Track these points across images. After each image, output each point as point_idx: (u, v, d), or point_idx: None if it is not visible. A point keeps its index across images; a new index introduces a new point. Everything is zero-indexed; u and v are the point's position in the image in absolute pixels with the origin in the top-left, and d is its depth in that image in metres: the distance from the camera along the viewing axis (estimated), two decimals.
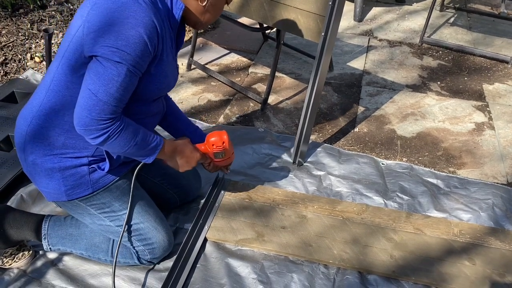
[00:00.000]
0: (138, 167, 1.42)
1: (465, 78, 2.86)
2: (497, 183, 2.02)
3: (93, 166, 1.39)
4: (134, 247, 1.50)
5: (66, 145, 1.35)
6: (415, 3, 3.91)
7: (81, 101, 1.19)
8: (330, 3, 1.73)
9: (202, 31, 3.27)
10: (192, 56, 2.81)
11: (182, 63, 2.91)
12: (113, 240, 1.52)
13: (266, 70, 2.86)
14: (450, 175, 2.05)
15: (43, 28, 2.95)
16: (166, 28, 1.28)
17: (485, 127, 2.41)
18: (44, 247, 1.55)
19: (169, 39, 1.31)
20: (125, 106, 1.27)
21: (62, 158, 1.36)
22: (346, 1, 3.78)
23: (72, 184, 1.38)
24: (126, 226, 1.46)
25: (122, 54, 1.16)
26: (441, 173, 2.05)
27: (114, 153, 1.31)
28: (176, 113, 1.65)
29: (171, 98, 1.67)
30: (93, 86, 1.18)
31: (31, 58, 2.82)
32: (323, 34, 1.80)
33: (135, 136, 1.27)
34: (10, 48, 2.87)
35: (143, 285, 1.51)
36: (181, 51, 3.06)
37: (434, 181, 2.00)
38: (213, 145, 1.52)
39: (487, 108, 2.57)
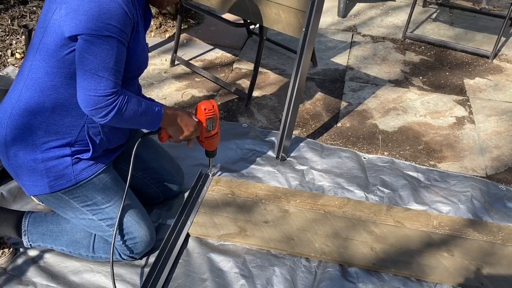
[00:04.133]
0: (138, 142, 1.46)
1: (447, 73, 2.90)
2: (476, 176, 2.06)
3: (76, 156, 1.39)
4: (116, 242, 1.49)
5: (49, 132, 1.35)
6: None
7: (83, 84, 1.22)
8: None
9: (186, 26, 3.25)
10: (175, 51, 2.80)
11: (165, 59, 2.90)
12: (95, 235, 1.52)
13: (251, 66, 2.86)
14: (431, 168, 2.08)
15: (23, 23, 2.91)
16: (136, 3, 1.30)
17: (465, 121, 2.45)
18: (24, 244, 1.54)
19: (139, 16, 1.33)
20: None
21: (44, 148, 1.36)
22: None
23: (55, 175, 1.37)
24: (110, 221, 1.46)
25: (110, 27, 1.19)
26: (421, 166, 2.08)
27: (124, 127, 1.36)
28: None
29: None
30: (91, 66, 1.20)
31: (12, 55, 2.78)
32: (304, 29, 1.81)
33: (139, 104, 1.32)
34: None
35: (125, 280, 1.51)
36: (165, 46, 3.05)
37: (414, 174, 2.03)
38: (204, 108, 1.56)
39: (468, 103, 2.61)
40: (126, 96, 1.28)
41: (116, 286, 1.47)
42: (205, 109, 1.56)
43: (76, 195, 1.42)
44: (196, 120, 1.56)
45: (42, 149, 1.35)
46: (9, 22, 3.07)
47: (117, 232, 1.47)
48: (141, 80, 2.67)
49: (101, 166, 1.45)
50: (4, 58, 2.73)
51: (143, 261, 1.57)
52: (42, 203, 1.67)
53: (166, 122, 1.45)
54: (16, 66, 2.65)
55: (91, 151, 1.40)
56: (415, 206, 1.86)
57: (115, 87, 1.24)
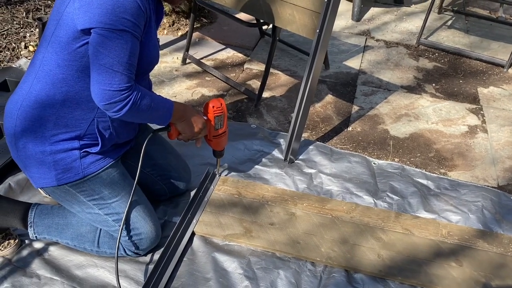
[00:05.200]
0: (147, 139, 1.45)
1: (460, 81, 2.86)
2: (488, 186, 2.02)
3: (85, 150, 1.39)
4: (122, 238, 1.48)
5: (58, 125, 1.34)
6: (413, 5, 3.91)
7: (97, 78, 1.22)
8: (326, 0, 1.72)
9: (198, 25, 3.25)
10: (187, 50, 2.80)
11: (177, 57, 2.90)
12: (100, 230, 1.51)
13: (262, 67, 2.85)
14: (441, 176, 2.04)
15: (38, 16, 2.93)
16: None
17: (478, 130, 2.41)
18: (30, 235, 1.54)
19: (152, 11, 1.32)
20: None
21: (53, 141, 1.35)
22: (345, 1, 3.78)
23: (63, 168, 1.37)
24: (116, 216, 1.46)
25: (124, 21, 1.19)
26: (432, 174, 2.05)
27: (135, 121, 1.37)
28: None
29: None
30: (105, 60, 1.20)
31: (25, 47, 2.80)
32: (317, 31, 1.79)
33: (152, 98, 1.33)
34: (4, 36, 2.85)
35: (128, 277, 1.50)
36: (177, 45, 3.05)
37: (424, 182, 2.00)
38: (213, 106, 1.56)
39: (481, 111, 2.57)
40: (139, 91, 1.28)
41: (120, 282, 1.47)
42: (213, 106, 1.57)
43: (83, 189, 1.41)
44: (205, 118, 1.55)
45: (51, 141, 1.35)
46: (24, 15, 3.09)
47: (125, 227, 1.47)
48: (152, 77, 2.67)
49: (109, 161, 1.45)
50: (17, 50, 2.75)
51: (147, 258, 1.57)
52: (49, 195, 1.67)
53: (176, 118, 1.45)
54: (29, 59, 2.67)
55: (100, 145, 1.39)
56: (424, 214, 1.83)
57: (129, 81, 1.24)
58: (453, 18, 3.69)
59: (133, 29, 1.22)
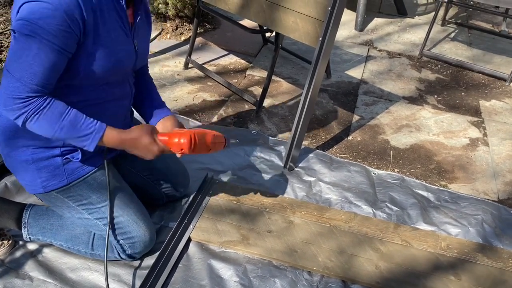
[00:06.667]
0: (106, 159, 1.38)
1: (462, 93, 2.86)
2: (488, 199, 2.01)
3: (66, 156, 1.36)
4: (114, 241, 1.46)
5: (35, 137, 1.30)
6: (417, 16, 3.92)
7: (2, 80, 1.15)
8: (329, 8, 1.72)
9: (202, 30, 3.25)
10: (190, 55, 2.80)
11: (179, 61, 2.90)
12: (94, 232, 1.50)
13: (264, 74, 2.85)
14: (441, 188, 2.03)
15: None
16: (106, 2, 1.19)
17: (479, 143, 2.40)
18: (24, 236, 1.52)
19: (113, 13, 1.22)
20: (52, 86, 1.18)
21: (34, 149, 1.33)
22: (348, 11, 3.79)
23: (47, 175, 1.35)
24: (106, 220, 1.44)
25: (34, 27, 1.09)
26: (432, 186, 2.03)
27: (45, 136, 1.23)
28: (148, 98, 1.55)
29: (152, 83, 1.61)
30: (8, 63, 1.14)
31: None
32: (320, 39, 1.79)
33: (60, 119, 1.18)
34: (6, 35, 2.85)
35: (122, 281, 1.48)
36: (179, 49, 3.04)
37: (424, 193, 1.98)
38: (182, 149, 1.30)
39: (483, 124, 2.56)
40: (43, 105, 1.16)
41: (112, 286, 1.44)
42: (182, 149, 1.30)
43: (70, 195, 1.40)
44: (158, 148, 1.30)
45: (32, 150, 1.33)
46: None
47: (116, 231, 1.44)
48: (154, 80, 2.66)
49: (95, 166, 1.42)
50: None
51: (142, 263, 1.54)
52: (42, 200, 1.65)
53: (111, 146, 1.27)
54: None
55: (80, 154, 1.36)
56: (423, 226, 1.81)
57: (29, 92, 1.13)
58: (456, 31, 3.69)
59: (46, 38, 1.10)
